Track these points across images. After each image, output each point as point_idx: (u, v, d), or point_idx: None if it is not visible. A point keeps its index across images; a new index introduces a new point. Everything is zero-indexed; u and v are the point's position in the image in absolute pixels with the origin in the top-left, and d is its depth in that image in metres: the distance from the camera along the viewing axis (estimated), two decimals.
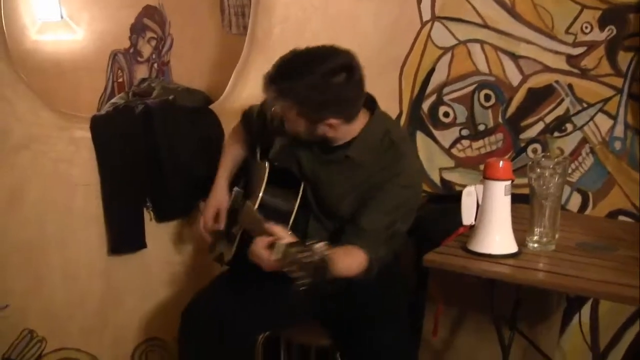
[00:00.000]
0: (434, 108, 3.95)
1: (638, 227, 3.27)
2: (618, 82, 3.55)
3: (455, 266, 2.78)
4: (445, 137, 3.94)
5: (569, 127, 3.68)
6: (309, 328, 3.08)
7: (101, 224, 3.57)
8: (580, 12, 3.58)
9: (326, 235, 2.85)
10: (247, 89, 3.77)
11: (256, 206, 2.93)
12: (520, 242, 2.85)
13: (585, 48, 3.60)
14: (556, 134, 3.70)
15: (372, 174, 2.87)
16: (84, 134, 3.51)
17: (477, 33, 3.80)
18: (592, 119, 3.62)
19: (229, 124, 3.57)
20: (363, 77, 2.81)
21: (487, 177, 2.76)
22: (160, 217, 3.68)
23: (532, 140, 3.76)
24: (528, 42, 3.70)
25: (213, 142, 3.61)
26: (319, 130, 2.85)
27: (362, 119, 2.92)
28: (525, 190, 2.99)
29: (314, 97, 2.74)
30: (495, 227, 2.77)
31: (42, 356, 3.59)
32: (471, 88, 3.86)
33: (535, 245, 2.88)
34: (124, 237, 3.61)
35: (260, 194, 2.96)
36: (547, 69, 3.69)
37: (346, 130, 2.88)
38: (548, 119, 3.71)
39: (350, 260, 2.72)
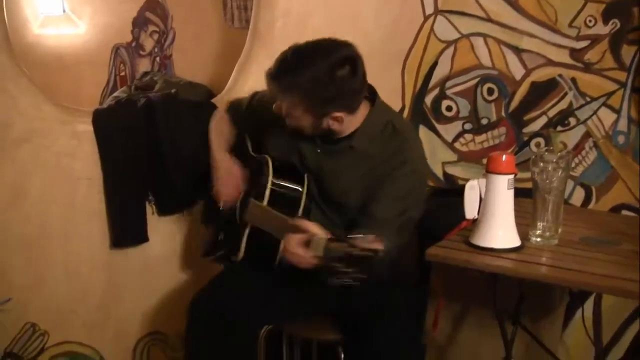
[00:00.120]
0: (436, 102, 3.94)
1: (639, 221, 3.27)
2: (622, 76, 3.54)
3: (458, 260, 2.77)
4: (448, 131, 3.94)
5: (572, 121, 3.67)
6: (312, 322, 3.08)
7: (103, 217, 3.57)
8: (584, 5, 3.57)
9: (329, 225, 2.84)
10: (249, 83, 3.76)
11: (265, 202, 2.93)
12: (523, 236, 2.85)
13: (588, 42, 3.59)
14: (559, 128, 3.69)
15: (377, 164, 2.87)
16: (86, 127, 3.51)
17: (480, 26, 3.79)
18: (595, 113, 3.61)
19: None
20: (364, 68, 2.81)
21: (490, 171, 2.75)
22: (163, 211, 3.68)
23: (535, 134, 3.75)
24: (531, 35, 3.69)
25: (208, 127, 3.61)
26: (324, 124, 2.85)
27: (363, 110, 2.92)
28: (528, 185, 2.98)
29: (320, 91, 2.74)
30: (498, 221, 2.76)
31: (44, 350, 3.59)
32: (474, 82, 3.85)
33: (538, 239, 2.87)
34: (126, 231, 3.61)
35: (267, 190, 2.95)
36: (550, 62, 3.68)
37: (349, 122, 2.88)
38: (551, 113, 3.70)
39: None
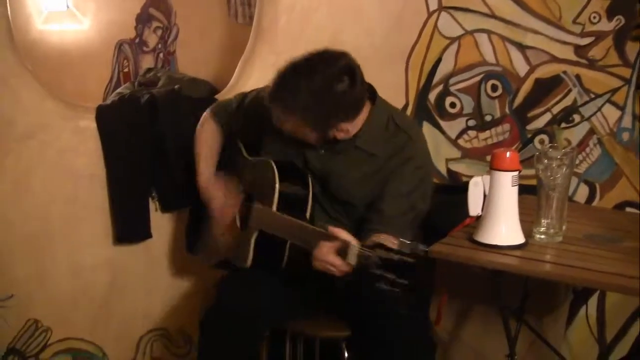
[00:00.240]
0: (440, 98, 3.93)
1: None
2: (626, 72, 3.54)
3: (461, 257, 2.75)
4: (452, 127, 3.93)
5: (577, 118, 3.66)
6: (315, 320, 3.07)
7: (106, 214, 3.57)
8: (588, 2, 3.56)
9: (334, 225, 2.83)
10: (252, 79, 3.76)
11: (274, 207, 2.91)
12: (527, 233, 2.83)
13: (593, 38, 3.58)
14: (563, 124, 3.68)
15: (382, 162, 2.89)
16: (89, 123, 3.51)
17: (484, 23, 3.78)
18: (599, 109, 3.61)
19: None
20: (362, 73, 2.81)
21: (494, 167, 2.73)
22: (166, 207, 3.68)
23: (539, 131, 3.74)
24: (535, 32, 3.68)
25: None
26: (329, 136, 2.86)
27: (365, 110, 2.92)
28: (532, 181, 2.97)
29: (321, 109, 2.75)
30: (502, 218, 2.75)
31: (47, 346, 3.60)
32: (478, 78, 3.84)
33: (542, 236, 2.86)
34: (130, 227, 3.61)
35: (276, 195, 2.94)
36: (554, 59, 3.67)
37: (353, 127, 2.89)
38: (555, 110, 3.69)
39: None
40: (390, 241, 2.40)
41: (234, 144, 3.27)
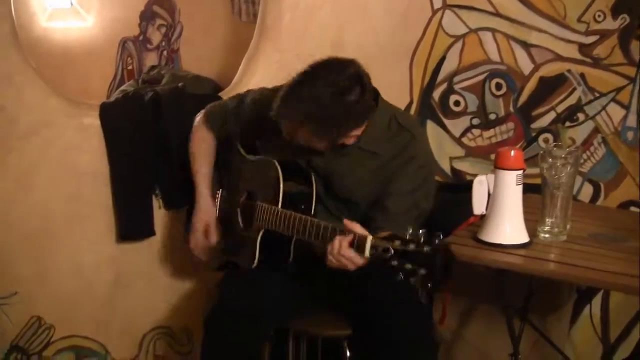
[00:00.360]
0: (444, 97, 3.93)
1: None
2: (631, 71, 3.53)
3: (465, 256, 2.75)
4: (456, 126, 3.92)
5: (581, 116, 3.65)
6: (318, 318, 3.07)
7: (110, 211, 3.57)
8: (593, 0, 3.55)
9: (333, 220, 2.82)
10: (256, 76, 3.76)
11: (279, 205, 2.91)
12: (532, 232, 2.83)
13: (597, 37, 3.58)
14: (568, 123, 3.67)
15: (386, 161, 2.89)
16: (93, 121, 3.51)
17: (489, 21, 3.77)
18: (604, 108, 3.60)
19: None
20: (370, 78, 2.79)
21: (498, 166, 2.73)
22: (169, 205, 3.68)
23: (544, 130, 3.73)
24: (540, 30, 3.67)
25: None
26: (339, 142, 2.85)
27: None
28: (536, 180, 2.97)
29: (334, 122, 2.73)
30: (506, 217, 2.75)
31: (50, 343, 3.60)
32: (482, 77, 3.83)
33: (547, 235, 2.85)
34: (133, 225, 3.61)
35: (281, 194, 2.93)
36: (559, 57, 3.66)
37: (361, 131, 2.88)
38: (560, 109, 3.69)
39: None
40: (401, 234, 2.39)
41: (230, 145, 3.26)
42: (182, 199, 3.63)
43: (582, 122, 3.65)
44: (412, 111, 3.93)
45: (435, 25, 3.88)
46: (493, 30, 3.77)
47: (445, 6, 3.84)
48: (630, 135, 3.56)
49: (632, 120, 3.55)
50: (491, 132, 3.85)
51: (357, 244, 2.48)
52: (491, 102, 3.82)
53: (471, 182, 3.00)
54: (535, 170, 3.01)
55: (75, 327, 3.63)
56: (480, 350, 3.47)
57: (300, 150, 2.96)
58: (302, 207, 2.89)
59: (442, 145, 3.92)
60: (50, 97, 3.48)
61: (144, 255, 3.67)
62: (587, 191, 3.66)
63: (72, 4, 5.49)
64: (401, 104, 3.76)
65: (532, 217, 2.89)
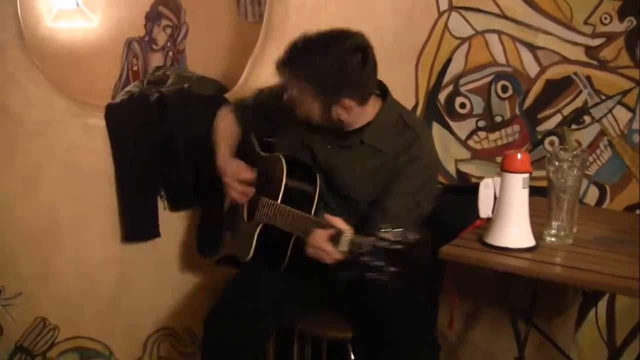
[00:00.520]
0: (450, 99, 3.93)
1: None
2: (637, 74, 3.52)
3: (471, 259, 2.75)
4: (462, 128, 3.92)
5: (587, 119, 3.65)
6: (322, 320, 3.07)
7: (115, 212, 3.56)
8: (600, 2, 3.55)
9: None
10: (262, 77, 3.75)
11: (279, 200, 2.92)
12: (538, 235, 2.83)
13: (604, 39, 3.57)
14: (574, 126, 3.67)
15: (388, 159, 2.89)
16: (98, 121, 3.50)
17: (495, 23, 3.77)
18: (610, 111, 3.59)
19: None
20: (376, 59, 2.83)
21: (505, 169, 2.73)
22: (174, 206, 3.67)
23: (549, 133, 3.73)
24: (546, 32, 3.67)
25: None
26: (333, 114, 2.86)
27: (374, 104, 2.94)
28: (542, 183, 2.97)
29: (330, 78, 2.77)
30: (512, 220, 2.75)
31: (55, 344, 3.59)
32: (488, 79, 3.83)
33: (553, 239, 2.85)
34: (138, 226, 3.60)
35: (282, 189, 2.95)
36: (565, 60, 3.66)
37: (359, 114, 2.90)
38: (566, 111, 3.68)
39: None
40: (397, 234, 2.40)
41: (249, 140, 3.28)
42: (187, 200, 3.65)
43: (588, 124, 3.64)
44: (418, 113, 3.93)
45: (442, 27, 3.88)
46: (499, 32, 3.77)
47: (452, 8, 3.85)
48: (636, 138, 3.55)
49: (638, 123, 3.54)
50: (497, 134, 3.85)
51: (335, 238, 2.52)
52: (497, 104, 3.82)
53: (477, 184, 3.01)
54: (541, 173, 3.00)
55: (80, 328, 3.63)
56: (486, 353, 3.46)
57: (305, 144, 3.01)
58: (302, 205, 2.89)
59: (447, 148, 3.92)
60: (56, 97, 3.48)
61: (148, 256, 3.66)
62: (593, 194, 3.66)
63: (77, 5, 5.49)
64: (406, 106, 3.74)
65: (538, 220, 2.88)
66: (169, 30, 5.27)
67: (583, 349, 3.70)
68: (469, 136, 3.91)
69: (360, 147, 2.93)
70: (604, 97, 3.60)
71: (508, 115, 3.81)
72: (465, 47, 3.86)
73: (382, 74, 2.92)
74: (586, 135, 3.65)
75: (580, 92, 3.64)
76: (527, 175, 2.72)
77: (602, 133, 3.62)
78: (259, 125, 3.27)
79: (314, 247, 2.63)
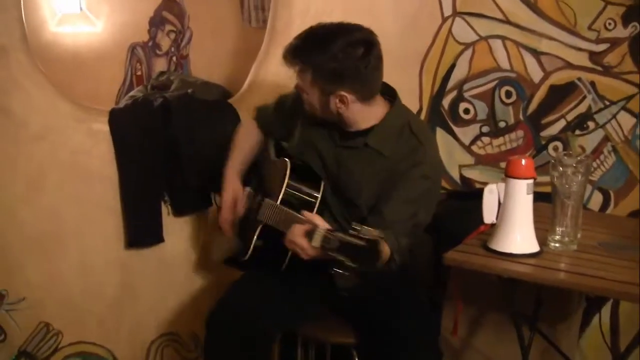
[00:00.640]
0: (454, 104, 3.92)
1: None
2: None
3: (475, 265, 2.75)
4: (466, 133, 3.91)
5: (591, 125, 3.64)
6: (326, 325, 3.07)
7: (118, 217, 3.56)
8: (604, 8, 3.54)
9: (334, 225, 2.82)
10: (266, 82, 3.76)
11: (278, 202, 2.93)
12: (542, 241, 2.82)
13: (608, 45, 3.57)
14: (578, 131, 3.66)
15: (391, 164, 2.89)
16: (102, 126, 3.51)
17: (499, 29, 3.77)
18: (614, 116, 3.59)
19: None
20: (382, 58, 2.86)
21: (509, 175, 2.73)
22: (178, 212, 3.67)
23: (553, 138, 3.73)
24: (550, 38, 3.66)
25: (232, 136, 3.60)
26: (331, 104, 2.87)
27: (381, 107, 2.96)
28: (545, 189, 2.97)
29: (329, 64, 2.79)
30: (516, 226, 2.75)
31: (58, 349, 3.59)
32: (492, 84, 3.82)
33: (557, 245, 2.85)
34: (142, 231, 3.60)
35: (283, 190, 2.96)
36: (569, 65, 3.65)
37: (361, 112, 2.91)
38: (570, 117, 3.68)
39: None
40: (368, 232, 2.41)
41: (266, 145, 3.32)
42: (191, 206, 3.65)
43: (592, 130, 3.64)
44: (422, 118, 3.92)
45: (445, 32, 3.87)
46: (503, 38, 3.76)
47: (455, 13, 3.84)
48: None
49: None
50: (501, 140, 3.84)
51: (310, 234, 2.53)
52: (501, 110, 3.82)
53: (481, 189, 3.00)
54: (545, 179, 3.00)
55: (83, 333, 3.63)
56: (490, 359, 3.46)
57: (314, 146, 3.05)
58: (302, 208, 2.89)
59: (451, 153, 3.91)
60: (60, 102, 3.49)
61: (152, 262, 3.66)
62: (596, 200, 3.65)
63: (81, 9, 5.50)
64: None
65: (542, 226, 2.88)
66: (172, 36, 5.28)
67: (587, 355, 3.70)
68: (473, 141, 3.90)
69: (364, 150, 2.93)
70: (608, 103, 3.59)
71: (512, 120, 3.80)
72: (469, 52, 3.86)
73: (386, 79, 2.93)
74: (590, 141, 3.65)
75: (584, 97, 3.63)
76: (531, 181, 2.72)
77: (606, 139, 3.61)
78: (277, 128, 3.29)
79: (289, 241, 2.67)
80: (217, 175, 3.32)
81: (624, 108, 3.57)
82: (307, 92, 2.92)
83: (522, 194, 2.71)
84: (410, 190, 2.83)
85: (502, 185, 2.81)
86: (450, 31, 3.87)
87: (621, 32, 3.53)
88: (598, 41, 3.58)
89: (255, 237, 3.03)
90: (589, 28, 3.59)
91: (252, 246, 3.03)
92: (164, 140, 3.57)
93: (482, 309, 3.45)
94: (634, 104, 3.54)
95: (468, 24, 3.83)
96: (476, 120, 3.88)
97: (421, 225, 2.91)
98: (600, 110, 3.61)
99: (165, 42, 5.33)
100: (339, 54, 2.78)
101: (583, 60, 3.62)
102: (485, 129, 3.87)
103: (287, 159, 3.05)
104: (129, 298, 3.67)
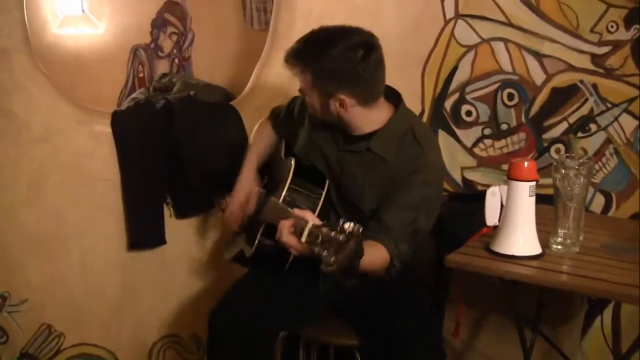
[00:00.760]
0: (456, 107, 3.92)
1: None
2: None
3: (478, 267, 2.75)
4: (468, 136, 3.91)
5: (593, 127, 3.64)
6: (329, 326, 3.06)
7: (120, 219, 3.57)
8: (606, 10, 3.55)
9: None
10: (269, 84, 3.76)
11: (280, 200, 2.93)
12: (544, 243, 2.82)
13: (610, 47, 3.57)
14: (580, 134, 3.66)
15: (393, 170, 2.87)
16: (104, 128, 3.51)
17: (501, 31, 3.77)
18: (616, 119, 3.59)
19: (251, 120, 3.57)
20: (383, 61, 2.85)
21: (511, 177, 2.73)
22: (180, 214, 3.68)
23: (555, 140, 3.72)
24: (552, 40, 3.67)
25: (234, 139, 3.61)
26: (331, 107, 2.87)
27: (385, 111, 2.95)
28: (547, 191, 2.96)
29: (328, 67, 2.79)
30: (519, 228, 2.75)
31: (60, 351, 3.59)
32: (494, 87, 3.82)
33: (559, 247, 2.85)
34: (144, 233, 3.60)
35: (285, 189, 2.96)
36: (571, 68, 3.65)
37: (362, 116, 2.90)
38: (572, 119, 3.68)
39: (374, 254, 2.66)
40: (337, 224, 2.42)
41: (278, 146, 3.32)
42: (193, 208, 3.65)
43: (594, 132, 3.64)
44: (424, 120, 3.92)
45: (448, 34, 3.87)
46: (505, 40, 3.76)
47: (458, 16, 3.84)
48: None
49: None
50: (503, 142, 3.84)
51: (298, 229, 2.53)
52: (503, 112, 3.82)
53: (483, 191, 3.00)
54: (547, 181, 3.00)
55: (85, 334, 3.63)
56: None
57: (319, 148, 3.05)
58: (305, 206, 2.90)
59: (453, 155, 3.91)
60: (62, 104, 3.49)
61: (154, 264, 3.67)
62: (598, 202, 3.65)
63: (83, 11, 5.49)
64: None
65: (544, 228, 2.88)
66: (174, 37, 5.28)
67: (589, 357, 3.69)
68: (475, 144, 3.90)
69: (367, 154, 2.93)
70: (610, 105, 3.59)
71: (514, 123, 3.81)
72: (471, 55, 3.86)
73: (388, 81, 2.93)
74: (592, 143, 3.65)
75: (587, 100, 3.63)
76: (533, 183, 2.72)
77: (608, 141, 3.61)
78: (287, 130, 3.29)
79: (278, 238, 2.64)
80: (219, 177, 3.32)
81: (626, 110, 3.57)
82: (309, 94, 2.92)
83: (524, 196, 2.71)
84: (411, 196, 2.82)
85: (504, 187, 2.81)
86: (452, 34, 3.87)
87: (623, 34, 3.53)
88: (600, 44, 3.58)
89: (259, 234, 3.02)
90: (591, 31, 3.59)
91: (256, 243, 3.03)
92: (166, 142, 3.57)
93: (484, 311, 3.45)
94: (636, 106, 3.54)
95: (470, 26, 3.83)
96: (478, 122, 3.88)
97: (422, 231, 2.89)
98: (602, 112, 3.61)
99: (167, 44, 5.32)
100: (338, 57, 2.77)
101: (585, 62, 3.62)
102: (487, 131, 3.87)
103: (292, 158, 3.06)
104: (130, 300, 3.67)
